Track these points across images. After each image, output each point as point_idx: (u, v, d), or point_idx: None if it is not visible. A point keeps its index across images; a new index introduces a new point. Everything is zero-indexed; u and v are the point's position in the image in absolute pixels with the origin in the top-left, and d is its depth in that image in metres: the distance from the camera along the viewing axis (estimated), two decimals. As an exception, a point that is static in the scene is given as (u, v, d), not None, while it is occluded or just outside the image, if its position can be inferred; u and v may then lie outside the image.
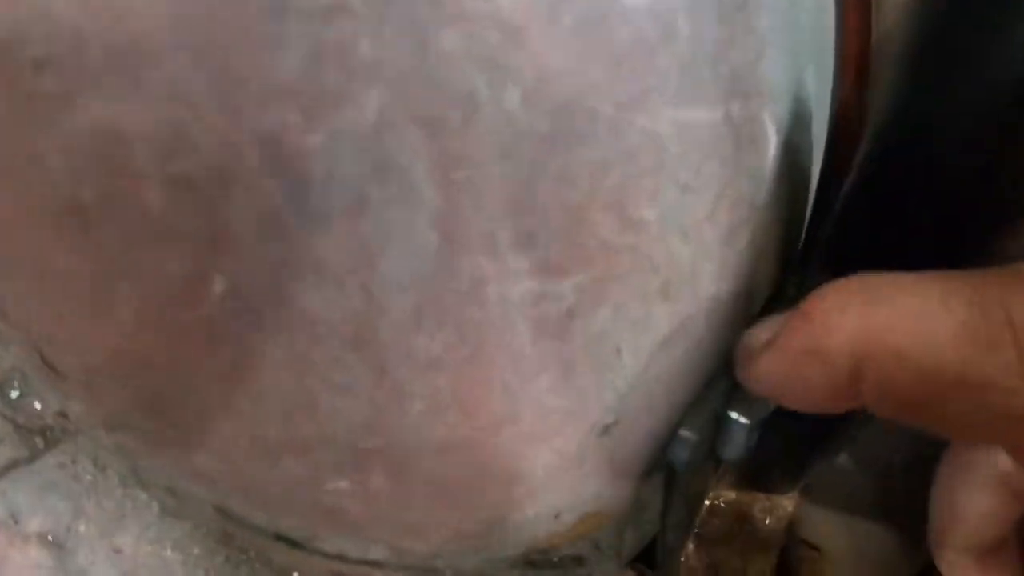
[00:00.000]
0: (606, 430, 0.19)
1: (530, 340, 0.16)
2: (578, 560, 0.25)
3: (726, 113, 0.16)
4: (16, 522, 0.22)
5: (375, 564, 0.22)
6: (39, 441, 0.22)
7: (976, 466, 0.23)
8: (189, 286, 0.15)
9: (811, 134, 0.20)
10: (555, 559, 0.24)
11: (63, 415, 0.22)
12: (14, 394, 0.22)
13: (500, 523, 0.20)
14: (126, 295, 0.15)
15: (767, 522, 0.32)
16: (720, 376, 0.20)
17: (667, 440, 0.20)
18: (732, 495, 0.31)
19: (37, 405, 0.22)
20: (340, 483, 0.18)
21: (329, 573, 0.23)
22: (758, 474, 0.31)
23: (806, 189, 0.20)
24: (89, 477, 0.23)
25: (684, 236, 0.17)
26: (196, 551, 0.23)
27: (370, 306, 0.15)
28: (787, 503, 0.32)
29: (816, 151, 0.21)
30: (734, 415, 0.21)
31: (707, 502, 0.31)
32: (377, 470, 0.18)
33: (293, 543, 0.22)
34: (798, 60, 0.18)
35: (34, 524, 0.22)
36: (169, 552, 0.23)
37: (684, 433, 0.20)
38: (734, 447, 0.21)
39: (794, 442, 0.30)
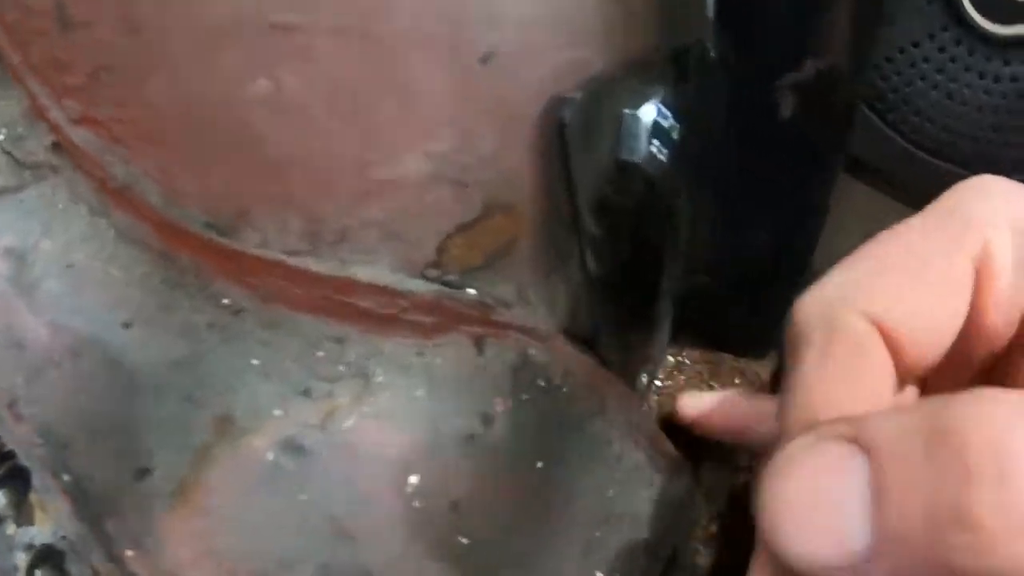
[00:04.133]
0: (487, 58, 0.21)
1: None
2: (504, 304, 0.25)
3: None
4: (-11, 237, 0.25)
5: (293, 253, 0.23)
6: (28, 175, 0.26)
7: None
8: None
9: None
10: (466, 286, 0.24)
11: (54, 148, 0.25)
12: (18, 131, 0.26)
13: (403, 172, 0.22)
14: None
15: (736, 382, 0.29)
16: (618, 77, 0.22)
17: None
18: (696, 353, 0.30)
19: (33, 145, 0.26)
20: (260, 81, 0.21)
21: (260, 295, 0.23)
22: (722, 334, 0.30)
23: None
24: (62, 206, 0.25)
25: None
26: (139, 271, 0.24)
27: None
28: (761, 371, 0.30)
29: None
30: (628, 111, 0.23)
31: (670, 358, 0.30)
32: (287, 67, 0.21)
33: (221, 231, 0.23)
34: None
35: (5, 240, 0.25)
36: (115, 271, 0.24)
37: (571, 95, 0.22)
38: (634, 146, 0.23)
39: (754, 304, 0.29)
